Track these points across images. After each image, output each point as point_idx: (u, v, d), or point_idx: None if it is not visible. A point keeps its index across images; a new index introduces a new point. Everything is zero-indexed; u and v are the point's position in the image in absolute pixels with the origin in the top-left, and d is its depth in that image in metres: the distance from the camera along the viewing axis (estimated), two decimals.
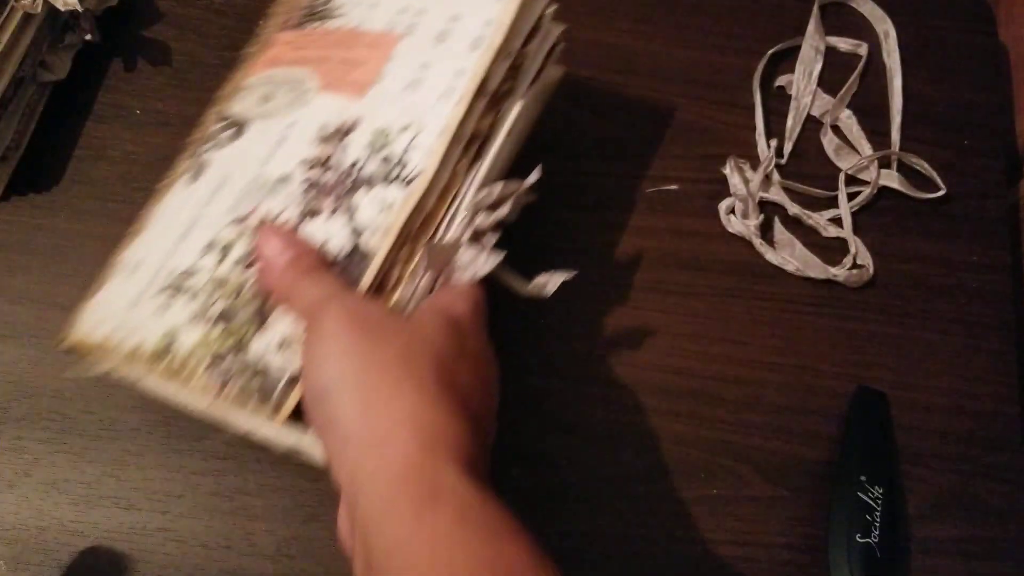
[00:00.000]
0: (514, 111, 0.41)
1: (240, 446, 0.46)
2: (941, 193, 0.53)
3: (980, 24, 0.59)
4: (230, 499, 0.45)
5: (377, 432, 0.30)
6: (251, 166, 0.40)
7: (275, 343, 0.35)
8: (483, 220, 0.39)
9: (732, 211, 0.52)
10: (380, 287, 0.36)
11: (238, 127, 0.42)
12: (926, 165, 0.53)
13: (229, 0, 0.57)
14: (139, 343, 0.37)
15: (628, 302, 0.50)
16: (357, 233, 0.36)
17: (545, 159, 0.48)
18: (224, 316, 0.36)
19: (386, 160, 0.38)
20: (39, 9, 0.48)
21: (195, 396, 0.37)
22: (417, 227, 0.37)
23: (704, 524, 0.45)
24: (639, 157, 0.53)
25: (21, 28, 0.48)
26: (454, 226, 0.38)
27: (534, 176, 0.40)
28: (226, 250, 0.38)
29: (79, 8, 0.49)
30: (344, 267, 0.36)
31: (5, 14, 0.47)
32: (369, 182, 0.37)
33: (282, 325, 0.36)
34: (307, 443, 0.36)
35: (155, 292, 0.38)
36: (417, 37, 0.41)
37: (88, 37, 0.52)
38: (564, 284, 0.46)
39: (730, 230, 0.52)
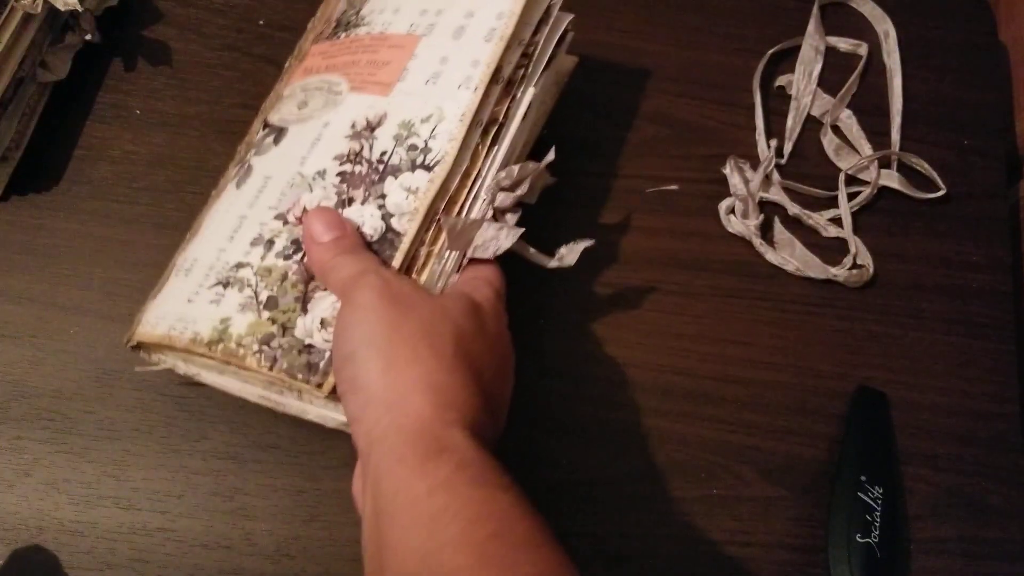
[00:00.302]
0: (528, 96, 0.43)
1: (240, 446, 0.46)
2: (941, 193, 0.53)
3: (980, 24, 0.59)
4: (230, 499, 0.45)
5: (395, 393, 0.33)
6: (291, 166, 0.43)
7: (317, 323, 0.38)
8: (503, 200, 0.41)
9: (732, 211, 0.52)
10: (410, 266, 0.39)
11: (278, 133, 0.45)
12: (926, 165, 0.53)
13: (229, 0, 0.57)
14: (196, 333, 0.40)
15: (628, 302, 0.50)
16: (388, 217, 0.40)
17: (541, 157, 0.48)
18: (270, 302, 0.39)
19: (411, 148, 0.41)
20: (39, 9, 0.48)
21: (251, 380, 0.40)
22: (442, 209, 0.40)
23: (704, 524, 0.45)
24: (639, 157, 0.54)
25: (21, 28, 0.48)
26: (476, 206, 0.41)
27: (550, 156, 0.43)
28: (270, 243, 0.41)
29: (79, 8, 0.49)
30: (377, 248, 0.39)
31: (5, 14, 0.47)
32: (397, 170, 0.40)
33: (321, 307, 0.38)
34: None
35: (209, 286, 0.41)
36: (436, 35, 0.44)
37: (88, 37, 0.52)
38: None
39: (730, 230, 0.52)
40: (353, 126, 0.42)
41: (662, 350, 0.49)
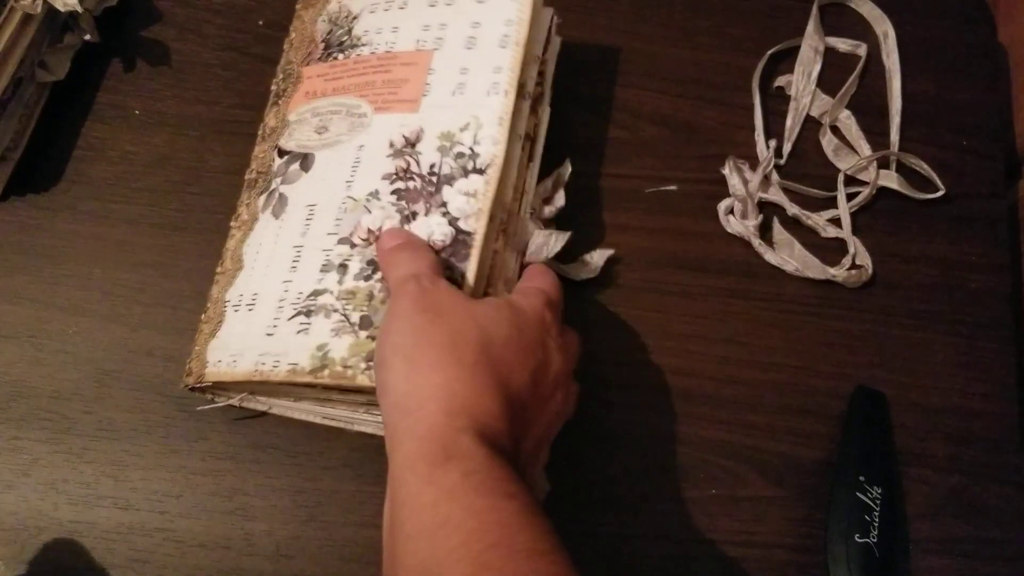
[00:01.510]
0: (547, 114, 0.47)
1: (239, 446, 0.46)
2: (940, 193, 0.53)
3: (979, 25, 0.59)
4: (229, 499, 0.45)
5: (414, 399, 0.34)
6: (336, 191, 0.44)
7: None
8: (548, 212, 0.45)
9: (731, 211, 0.52)
10: (490, 275, 0.41)
11: (303, 159, 0.45)
12: (925, 165, 0.53)
13: (228, 0, 0.57)
14: (294, 364, 0.40)
15: (627, 302, 0.50)
16: (455, 221, 0.41)
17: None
18: (364, 322, 0.40)
19: (459, 156, 0.42)
20: (38, 9, 0.48)
21: (336, 404, 0.42)
22: (504, 216, 0.43)
23: (703, 524, 0.45)
24: (638, 157, 0.54)
25: (20, 28, 0.48)
26: (529, 217, 0.44)
27: (568, 167, 0.46)
28: (343, 267, 0.41)
29: (78, 8, 0.49)
30: (452, 251, 0.40)
31: (4, 14, 0.47)
32: (451, 179, 0.42)
33: None
34: None
35: (288, 318, 0.41)
36: (448, 48, 0.45)
37: (87, 37, 0.52)
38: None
39: (729, 230, 0.52)
40: (392, 145, 0.44)
41: (661, 350, 0.49)
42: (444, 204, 0.41)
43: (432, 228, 0.41)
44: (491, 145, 0.42)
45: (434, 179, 0.42)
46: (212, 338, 0.43)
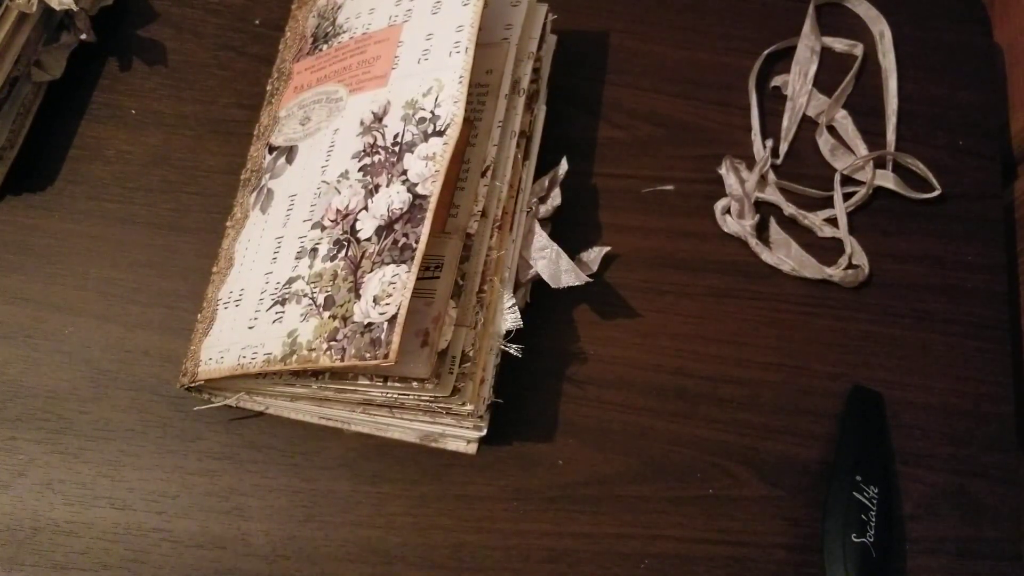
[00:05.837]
0: (542, 113, 0.47)
1: (236, 446, 0.46)
2: (936, 193, 0.53)
3: (975, 25, 0.59)
4: (225, 500, 0.45)
5: None
6: (313, 178, 0.44)
7: (371, 302, 0.39)
8: (544, 212, 0.45)
9: (728, 211, 0.52)
10: (480, 270, 0.42)
11: (288, 152, 0.46)
12: (921, 165, 0.53)
13: (224, 0, 0.56)
14: (268, 354, 0.40)
15: (624, 302, 0.50)
16: (413, 187, 0.40)
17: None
18: (328, 302, 0.40)
19: (420, 122, 0.42)
20: (34, 8, 0.48)
21: (330, 403, 0.42)
22: (499, 220, 0.43)
23: (700, 524, 0.45)
24: (635, 157, 0.54)
25: (16, 27, 0.48)
26: (522, 219, 0.44)
27: (564, 165, 0.46)
28: (314, 251, 0.41)
29: (74, 7, 0.49)
30: (409, 218, 0.40)
31: (0, 13, 0.47)
32: (412, 145, 0.41)
33: (372, 287, 0.39)
34: (437, 429, 0.42)
35: (266, 309, 0.41)
36: (416, 18, 0.45)
37: (83, 36, 0.52)
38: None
39: (726, 230, 0.52)
40: (362, 123, 0.43)
41: (658, 350, 0.49)
42: (405, 172, 0.41)
43: (392, 197, 0.40)
44: (451, 104, 0.41)
45: (397, 149, 0.41)
46: (206, 337, 0.43)
